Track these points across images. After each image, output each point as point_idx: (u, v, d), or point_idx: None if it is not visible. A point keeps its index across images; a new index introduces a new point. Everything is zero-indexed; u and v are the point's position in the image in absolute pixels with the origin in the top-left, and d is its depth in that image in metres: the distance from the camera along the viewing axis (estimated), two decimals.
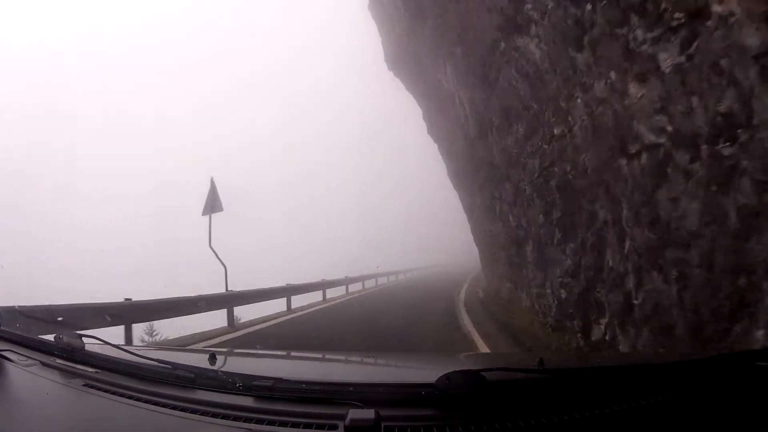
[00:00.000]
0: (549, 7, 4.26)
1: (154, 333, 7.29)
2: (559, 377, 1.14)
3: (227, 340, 6.25)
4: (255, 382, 1.11)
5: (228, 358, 1.91)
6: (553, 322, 5.54)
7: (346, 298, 14.44)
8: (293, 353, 2.55)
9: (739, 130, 2.19)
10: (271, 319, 8.64)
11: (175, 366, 1.23)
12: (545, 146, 5.34)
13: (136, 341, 5.83)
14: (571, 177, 4.69)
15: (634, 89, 3.04)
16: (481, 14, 6.41)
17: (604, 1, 3.25)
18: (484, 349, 5.18)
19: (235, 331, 7.17)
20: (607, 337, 4.01)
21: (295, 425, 0.97)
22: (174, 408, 1.07)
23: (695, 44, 2.42)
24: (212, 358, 1.35)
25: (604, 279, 4.03)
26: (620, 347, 3.68)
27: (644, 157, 3.04)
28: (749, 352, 1.52)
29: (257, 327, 7.72)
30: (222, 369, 1.20)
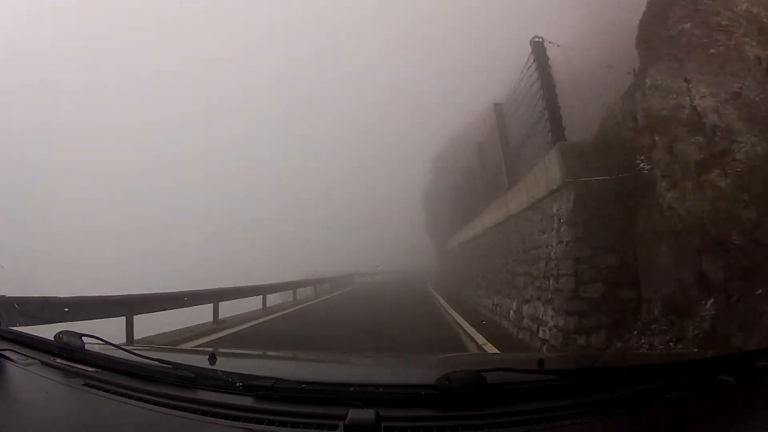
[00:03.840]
0: None
1: None
2: (559, 378, 1.14)
3: None
4: (255, 382, 1.10)
5: (228, 358, 1.91)
6: None
7: None
8: (293, 353, 2.55)
9: None
10: None
11: (176, 366, 1.23)
12: None
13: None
14: None
15: None
16: None
17: None
18: None
19: None
20: None
21: (295, 425, 0.97)
22: (174, 408, 1.07)
23: None
24: (212, 358, 1.34)
25: None
26: None
27: None
28: (749, 352, 1.52)
29: None
30: (222, 369, 1.20)
